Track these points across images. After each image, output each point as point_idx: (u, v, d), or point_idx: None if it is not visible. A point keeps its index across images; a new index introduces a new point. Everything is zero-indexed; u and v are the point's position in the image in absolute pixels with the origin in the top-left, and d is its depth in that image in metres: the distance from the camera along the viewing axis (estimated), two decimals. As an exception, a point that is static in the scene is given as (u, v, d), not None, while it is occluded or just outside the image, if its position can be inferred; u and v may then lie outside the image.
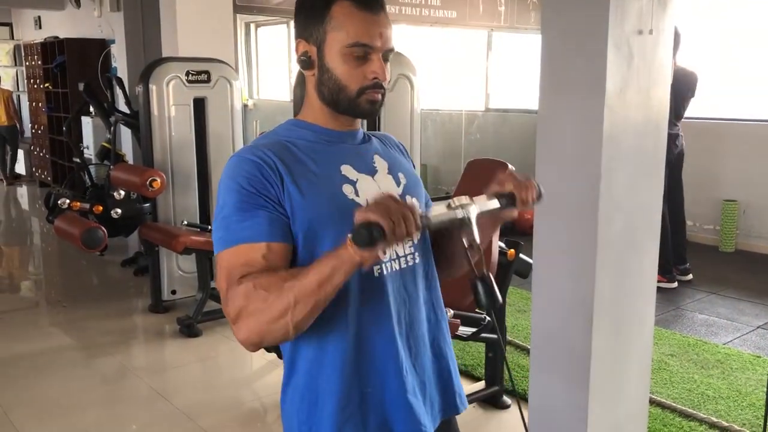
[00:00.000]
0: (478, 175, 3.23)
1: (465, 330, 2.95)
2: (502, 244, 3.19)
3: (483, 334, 3.06)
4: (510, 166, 3.12)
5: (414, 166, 1.48)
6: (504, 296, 3.25)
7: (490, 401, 3.30)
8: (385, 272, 1.27)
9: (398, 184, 1.35)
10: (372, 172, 1.32)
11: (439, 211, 1.18)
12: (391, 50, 1.28)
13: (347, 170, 1.29)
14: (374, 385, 1.27)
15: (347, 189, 1.26)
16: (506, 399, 3.31)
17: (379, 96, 1.28)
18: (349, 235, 1.08)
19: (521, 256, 3.26)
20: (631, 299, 2.70)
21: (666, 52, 2.57)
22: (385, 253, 1.12)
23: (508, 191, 1.25)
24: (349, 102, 1.26)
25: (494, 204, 1.24)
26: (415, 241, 1.33)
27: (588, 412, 2.61)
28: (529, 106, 6.94)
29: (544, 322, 2.75)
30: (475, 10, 6.70)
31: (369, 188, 1.29)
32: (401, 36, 6.69)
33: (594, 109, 2.38)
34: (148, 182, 4.10)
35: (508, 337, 3.98)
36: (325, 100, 1.29)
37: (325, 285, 1.12)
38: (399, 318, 1.29)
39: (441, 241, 1.42)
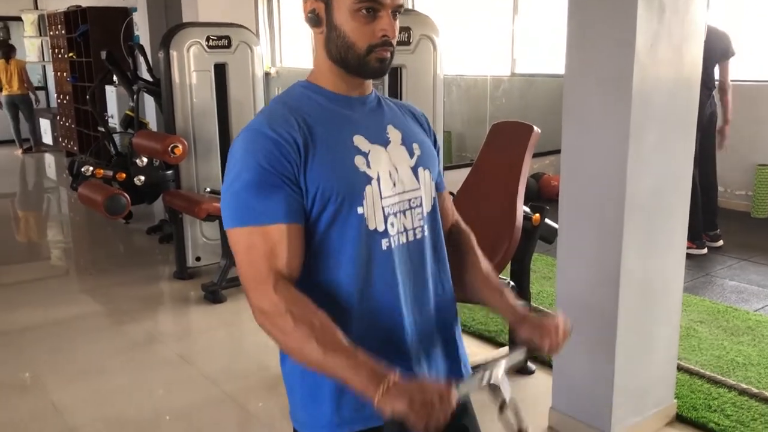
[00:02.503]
0: (502, 139, 3.16)
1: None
2: (527, 209, 3.13)
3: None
4: (536, 129, 3.05)
5: (436, 141, 1.44)
6: (528, 262, 3.20)
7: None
8: (393, 245, 1.26)
9: (411, 155, 1.32)
10: (385, 142, 1.29)
11: (467, 384, 1.21)
12: (401, 6, 1.23)
13: (359, 141, 1.26)
14: (378, 356, 1.24)
15: (359, 161, 1.24)
16: (531, 365, 3.28)
17: (388, 54, 1.24)
18: (378, 404, 1.08)
19: (546, 221, 3.20)
20: (659, 262, 2.63)
21: (699, 5, 2.46)
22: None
23: (540, 346, 1.29)
24: (358, 60, 1.23)
25: (521, 355, 1.29)
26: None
27: (614, 375, 2.58)
28: (556, 70, 6.79)
29: (570, 285, 2.70)
30: (501, -29, 6.54)
31: (381, 159, 1.26)
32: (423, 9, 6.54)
33: (623, 65, 2.30)
34: (169, 149, 4.09)
35: (533, 304, 3.94)
36: (334, 59, 1.25)
37: (335, 376, 1.15)
38: (406, 290, 1.28)
39: (451, 253, 1.42)
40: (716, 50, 4.79)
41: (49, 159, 10.36)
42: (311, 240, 1.22)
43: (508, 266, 3.11)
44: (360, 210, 1.22)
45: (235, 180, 1.19)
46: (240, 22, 4.71)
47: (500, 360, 1.22)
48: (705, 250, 5.00)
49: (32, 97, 10.41)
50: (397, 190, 1.27)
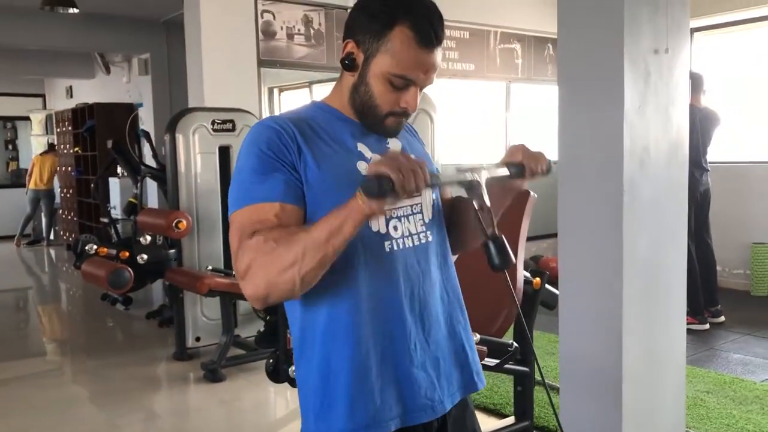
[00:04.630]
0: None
1: (491, 360, 2.89)
2: (528, 274, 3.16)
3: (510, 365, 3.00)
4: (532, 193, 3.13)
5: (424, 145, 1.53)
6: (531, 326, 3.19)
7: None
8: (396, 248, 1.30)
9: None
10: (384, 151, 1.36)
11: (448, 172, 1.22)
12: (430, 84, 1.32)
13: (363, 148, 1.33)
14: (385, 359, 1.27)
15: (362, 166, 1.30)
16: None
17: (403, 121, 1.34)
18: (360, 186, 1.11)
19: (547, 286, 3.22)
20: (660, 319, 2.64)
21: (683, 71, 2.60)
22: (394, 203, 1.15)
23: (517, 161, 1.29)
24: (375, 120, 1.32)
25: (503, 171, 1.28)
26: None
27: (622, 439, 2.53)
28: (548, 157, 6.96)
29: (573, 345, 2.69)
30: (493, 63, 6.83)
31: None
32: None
33: (614, 125, 2.40)
34: (174, 223, 4.16)
35: (537, 377, 3.89)
36: (355, 107, 1.33)
37: (334, 236, 1.14)
38: (411, 294, 1.31)
39: (453, 215, 1.46)
40: (711, 130, 4.97)
41: (50, 252, 10.40)
42: None
43: (511, 330, 3.10)
44: None
45: (240, 171, 1.25)
46: (244, 107, 4.89)
47: (483, 167, 1.24)
48: (707, 326, 4.98)
49: (56, 190, 10.56)
50: None
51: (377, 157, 1.32)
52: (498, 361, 2.91)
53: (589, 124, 2.50)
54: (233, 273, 4.50)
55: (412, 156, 1.32)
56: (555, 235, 2.73)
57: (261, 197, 1.21)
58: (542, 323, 4.80)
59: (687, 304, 2.85)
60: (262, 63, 5.35)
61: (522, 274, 3.07)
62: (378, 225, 1.28)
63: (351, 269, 1.25)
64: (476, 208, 1.20)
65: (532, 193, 3.08)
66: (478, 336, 2.75)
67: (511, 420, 3.26)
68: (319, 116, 1.34)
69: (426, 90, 1.38)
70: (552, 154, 2.76)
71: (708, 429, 3.23)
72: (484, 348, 2.80)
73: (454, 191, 1.42)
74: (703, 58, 6.59)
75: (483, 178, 1.21)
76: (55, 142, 10.84)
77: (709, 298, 5.12)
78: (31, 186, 10.32)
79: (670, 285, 2.68)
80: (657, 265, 2.60)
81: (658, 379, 2.65)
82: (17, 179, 11.80)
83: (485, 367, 2.92)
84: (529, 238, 3.36)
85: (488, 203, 1.20)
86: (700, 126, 4.81)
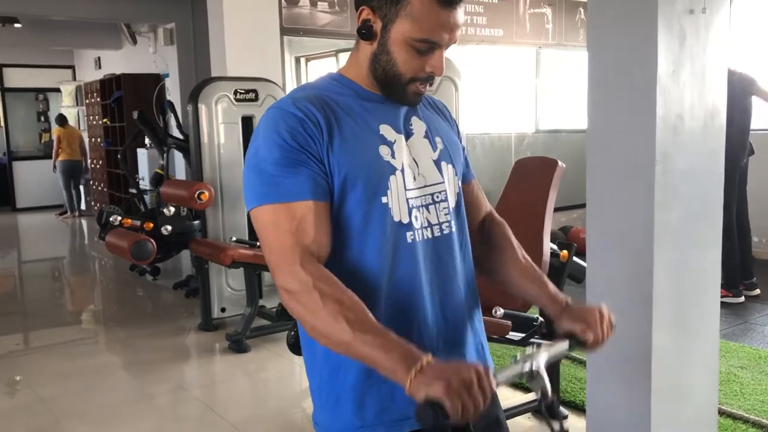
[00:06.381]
0: (527, 175, 3.14)
1: (516, 334, 2.83)
2: (554, 246, 3.08)
3: (535, 339, 2.93)
4: (560, 163, 3.03)
5: (459, 132, 1.43)
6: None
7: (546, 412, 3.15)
8: (418, 239, 1.23)
9: (434, 149, 1.30)
10: (408, 134, 1.27)
11: (506, 370, 1.11)
12: (455, 42, 1.24)
13: (385, 130, 1.25)
14: None
15: (384, 150, 1.23)
16: (562, 409, 3.15)
17: (426, 88, 1.26)
18: (414, 414, 1.00)
19: (575, 259, 3.13)
20: (692, 294, 2.54)
21: (721, 32, 2.46)
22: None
23: (583, 330, 1.22)
24: (399, 88, 1.23)
25: (563, 347, 1.21)
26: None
27: (651, 418, 2.45)
28: (579, 126, 6.80)
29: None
30: (522, 28, 6.64)
31: (403, 151, 1.25)
32: (447, 54, 6.61)
33: (646, 91, 2.28)
34: (196, 195, 4.14)
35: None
36: (376, 77, 1.25)
37: (363, 358, 1.08)
38: (432, 287, 1.24)
39: (484, 238, 1.41)
40: (744, 92, 4.76)
41: (83, 223, 10.54)
42: (335, 224, 1.19)
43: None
44: (384, 200, 1.20)
45: (259, 158, 1.17)
46: (268, 77, 4.82)
47: (542, 349, 1.14)
48: (742, 299, 4.86)
49: (84, 163, 10.65)
50: (418, 184, 1.24)
51: (401, 144, 1.24)
52: (523, 335, 2.85)
53: (620, 91, 2.39)
54: (257, 244, 4.50)
55: (439, 163, 1.28)
56: (584, 206, 2.63)
57: (292, 196, 1.14)
58: (569, 296, 4.72)
59: (722, 276, 2.74)
60: (285, 31, 5.27)
61: (549, 246, 2.99)
62: (400, 214, 1.21)
63: (370, 259, 1.19)
64: (539, 397, 1.14)
65: (560, 162, 2.98)
66: (502, 310, 2.69)
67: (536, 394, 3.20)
68: (338, 92, 1.25)
69: (451, 56, 1.30)
70: (581, 122, 2.70)
71: (741, 405, 3.13)
72: (508, 322, 2.74)
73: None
74: (742, 20, 6.33)
75: (542, 363, 1.12)
76: (85, 113, 10.91)
77: (744, 271, 4.98)
78: (64, 157, 10.37)
79: (704, 257, 2.57)
80: (690, 237, 2.49)
81: (690, 354, 2.56)
82: (50, 150, 11.91)
83: (510, 342, 2.88)
84: (557, 209, 3.26)
85: (550, 391, 1.13)
86: (740, 92, 4.61)
